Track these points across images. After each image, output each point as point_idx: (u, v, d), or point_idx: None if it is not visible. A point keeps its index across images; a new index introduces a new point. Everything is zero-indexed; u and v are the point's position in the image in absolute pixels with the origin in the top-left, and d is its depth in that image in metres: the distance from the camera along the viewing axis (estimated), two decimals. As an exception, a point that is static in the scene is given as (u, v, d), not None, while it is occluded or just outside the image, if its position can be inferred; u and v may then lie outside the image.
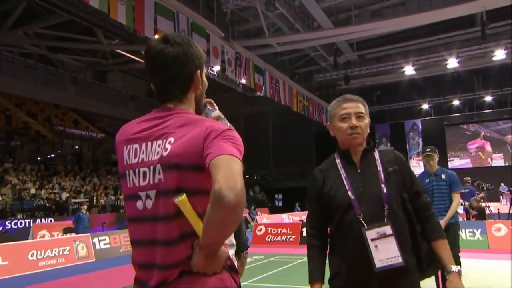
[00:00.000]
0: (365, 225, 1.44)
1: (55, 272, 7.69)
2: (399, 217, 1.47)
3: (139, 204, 1.08)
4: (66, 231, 10.77)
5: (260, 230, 10.93)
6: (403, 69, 18.04)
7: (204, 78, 1.20)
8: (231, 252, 1.99)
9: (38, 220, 11.91)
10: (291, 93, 15.63)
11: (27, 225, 11.32)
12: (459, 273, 1.43)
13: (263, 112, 25.34)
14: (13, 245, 8.19)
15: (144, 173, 1.08)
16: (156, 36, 8.63)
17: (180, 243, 1.03)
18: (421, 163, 23.05)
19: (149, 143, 1.09)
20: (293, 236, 10.18)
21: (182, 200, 1.01)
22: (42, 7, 12.83)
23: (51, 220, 12.21)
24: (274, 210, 20.45)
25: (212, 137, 1.03)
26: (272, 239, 10.50)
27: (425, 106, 22.78)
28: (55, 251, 8.47)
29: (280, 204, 23.48)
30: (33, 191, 13.91)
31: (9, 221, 11.20)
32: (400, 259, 1.41)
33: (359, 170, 1.55)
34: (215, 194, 0.93)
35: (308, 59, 19.84)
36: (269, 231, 10.75)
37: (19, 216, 12.22)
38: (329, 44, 16.67)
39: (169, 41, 1.12)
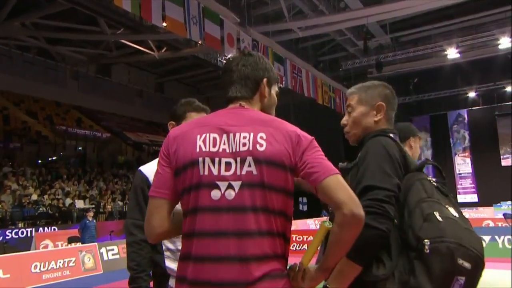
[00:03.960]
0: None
1: (60, 285, 7.92)
2: None
3: (216, 193, 1.20)
4: (71, 240, 11.07)
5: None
6: (445, 52, 17.61)
7: (273, 93, 1.42)
8: None
9: (41, 229, 12.27)
10: (315, 84, 15.52)
11: (28, 234, 11.69)
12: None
13: (284, 105, 25.21)
14: (14, 256, 8.47)
15: (228, 163, 1.21)
16: (164, 24, 8.82)
17: (267, 237, 1.19)
18: (468, 160, 22.54)
19: (232, 135, 1.23)
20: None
21: (327, 227, 1.25)
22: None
23: (54, 229, 12.57)
24: (298, 215, 20.40)
25: (305, 146, 1.24)
26: (297, 248, 10.50)
27: (471, 94, 22.18)
28: (60, 262, 8.72)
29: (305, 208, 23.40)
30: (34, 197, 14.34)
31: (10, 231, 11.58)
32: None
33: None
34: (348, 215, 1.14)
35: (334, 44, 19.63)
36: (294, 239, 10.74)
37: (20, 225, 12.61)
38: (358, 27, 16.44)
39: (245, 53, 1.40)
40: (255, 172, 1.19)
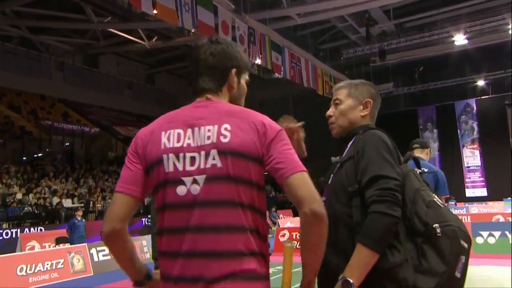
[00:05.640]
0: None
1: (48, 289, 7.93)
2: (336, 212, 1.55)
3: (181, 189, 1.23)
4: (59, 241, 11.07)
5: (284, 235, 10.98)
6: (453, 39, 17.64)
7: (243, 82, 1.43)
8: None
9: (27, 229, 12.28)
10: (315, 73, 15.51)
11: (13, 235, 11.68)
12: (350, 285, 1.43)
13: (283, 96, 25.26)
14: (-1, 258, 8.47)
15: (193, 158, 1.24)
16: (155, 12, 8.76)
17: (236, 232, 1.21)
18: (477, 153, 22.63)
19: (196, 129, 1.27)
20: (323, 243, 10.16)
21: (290, 247, 1.34)
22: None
23: (41, 229, 12.57)
24: (298, 212, 20.51)
25: (271, 137, 1.24)
26: (298, 246, 10.53)
27: (480, 83, 22.23)
28: (47, 264, 8.73)
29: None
30: (19, 196, 14.33)
31: (-6, 231, 11.58)
32: None
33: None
34: (308, 213, 1.18)
35: (334, 32, 19.61)
36: (294, 237, 10.78)
37: (4, 226, 12.60)
38: (360, 13, 16.42)
39: (213, 41, 1.40)
40: (219, 165, 1.21)
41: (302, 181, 1.20)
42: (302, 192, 1.19)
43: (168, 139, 1.27)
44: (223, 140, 1.22)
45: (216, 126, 1.25)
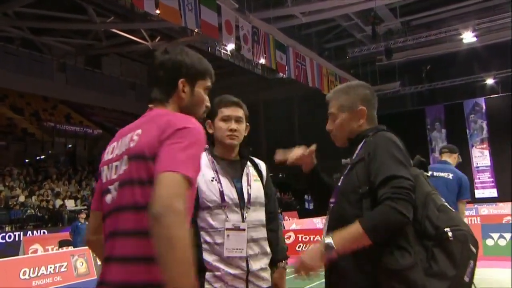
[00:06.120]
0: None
1: (52, 292, 7.96)
2: (346, 214, 1.57)
3: (108, 197, 1.32)
4: (62, 244, 11.11)
5: (289, 237, 10.96)
6: (461, 36, 17.53)
7: (199, 90, 1.44)
8: (265, 262, 2.05)
9: (29, 232, 12.34)
10: (321, 73, 15.49)
11: (16, 238, 11.74)
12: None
13: (287, 97, 25.24)
14: (1, 262, 8.51)
15: (116, 166, 1.32)
16: (158, 11, 8.78)
17: (138, 237, 1.21)
18: (486, 153, 22.49)
19: (122, 138, 1.35)
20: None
21: None
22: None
23: (44, 232, 12.63)
24: (304, 214, 20.44)
25: (167, 135, 1.22)
26: (304, 248, 10.52)
27: (489, 81, 22.07)
28: (51, 268, 8.76)
29: (311, 206, 23.48)
30: (22, 198, 14.41)
31: (-4, 234, 11.65)
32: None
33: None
34: (151, 215, 1.09)
35: (339, 30, 19.56)
36: (300, 239, 10.78)
37: (7, 229, 12.67)
38: (366, 11, 16.36)
39: (162, 51, 1.43)
40: (127, 170, 1.27)
41: (164, 181, 1.12)
42: (156, 192, 1.11)
43: (107, 152, 1.39)
44: (131, 145, 1.28)
45: (131, 133, 1.32)
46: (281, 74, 15.90)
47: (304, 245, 10.59)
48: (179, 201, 1.10)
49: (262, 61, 13.12)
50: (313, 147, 1.89)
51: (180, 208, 1.09)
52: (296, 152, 1.89)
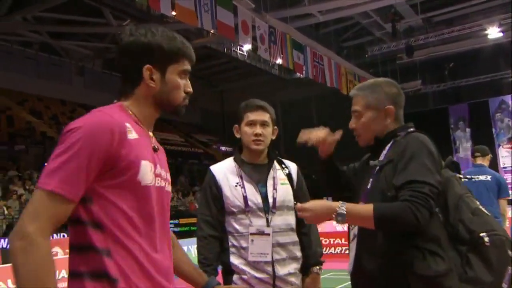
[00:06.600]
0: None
1: (71, 295, 8.11)
2: None
3: None
4: (80, 247, 11.30)
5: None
6: (486, 32, 17.19)
7: (171, 77, 1.27)
8: (294, 267, 2.04)
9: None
10: (339, 72, 15.39)
11: (37, 241, 12.00)
12: None
13: (305, 97, 25.15)
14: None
15: None
16: (174, 13, 8.87)
17: (72, 251, 1.18)
18: (513, 152, 21.98)
19: None
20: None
21: None
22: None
23: (64, 235, 12.85)
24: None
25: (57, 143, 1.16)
26: (324, 252, 10.47)
27: (516, 78, 21.61)
28: (70, 270, 8.94)
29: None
30: (42, 201, 14.69)
31: (18, 237, 11.91)
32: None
33: None
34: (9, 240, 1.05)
35: (358, 28, 19.42)
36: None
37: (28, 231, 12.94)
38: (385, 8, 16.21)
39: (127, 33, 1.28)
40: None
41: (30, 200, 1.11)
42: (21, 215, 1.08)
43: None
44: None
45: None
46: (298, 74, 15.83)
47: (325, 248, 10.52)
48: (32, 223, 1.05)
49: (279, 61, 13.10)
50: (338, 135, 1.84)
51: (28, 231, 1.03)
52: (319, 134, 1.83)
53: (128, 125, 1.21)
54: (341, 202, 1.51)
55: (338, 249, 10.35)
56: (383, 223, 1.44)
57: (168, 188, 1.33)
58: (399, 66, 20.44)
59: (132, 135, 1.20)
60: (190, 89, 1.33)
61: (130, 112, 1.27)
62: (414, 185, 1.44)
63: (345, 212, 1.47)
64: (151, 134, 1.34)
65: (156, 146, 1.31)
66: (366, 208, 1.47)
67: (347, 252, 9.40)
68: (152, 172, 1.22)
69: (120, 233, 1.14)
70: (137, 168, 1.18)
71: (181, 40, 1.33)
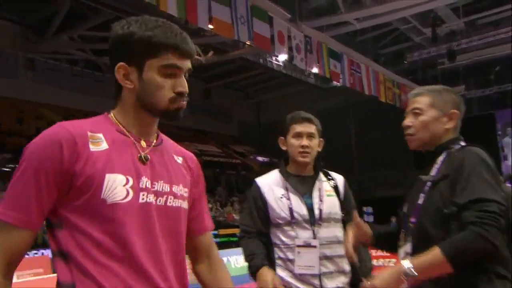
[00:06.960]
0: None
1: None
2: (429, 235, 1.49)
3: None
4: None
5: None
6: (532, 34, 16.45)
7: (150, 74, 1.10)
8: (342, 281, 2.02)
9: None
10: (377, 80, 15.17)
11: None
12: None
13: (342, 105, 24.84)
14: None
15: None
16: (211, 26, 9.03)
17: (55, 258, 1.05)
18: None
19: None
20: (393, 260, 9.82)
21: None
22: (86, 6, 14.10)
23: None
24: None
25: None
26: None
27: None
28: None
29: (371, 219, 22.72)
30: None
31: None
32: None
33: None
34: None
35: (396, 34, 19.08)
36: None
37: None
38: (425, 13, 15.84)
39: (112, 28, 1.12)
40: None
41: None
42: None
43: None
44: None
45: None
46: (335, 83, 15.71)
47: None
48: None
49: (315, 70, 13.06)
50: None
51: None
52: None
53: (95, 135, 1.07)
54: (404, 261, 1.44)
55: (381, 261, 10.09)
56: (461, 261, 1.36)
57: (174, 203, 1.15)
58: (440, 71, 19.92)
59: (98, 146, 1.05)
60: (182, 88, 1.14)
61: (115, 121, 1.15)
62: (480, 204, 1.37)
63: (413, 269, 1.40)
64: (144, 143, 1.17)
65: (145, 156, 1.12)
66: (433, 255, 1.38)
67: (391, 264, 9.21)
68: (129, 186, 1.05)
69: (89, 262, 0.99)
70: (99, 184, 1.02)
71: (166, 29, 1.12)
